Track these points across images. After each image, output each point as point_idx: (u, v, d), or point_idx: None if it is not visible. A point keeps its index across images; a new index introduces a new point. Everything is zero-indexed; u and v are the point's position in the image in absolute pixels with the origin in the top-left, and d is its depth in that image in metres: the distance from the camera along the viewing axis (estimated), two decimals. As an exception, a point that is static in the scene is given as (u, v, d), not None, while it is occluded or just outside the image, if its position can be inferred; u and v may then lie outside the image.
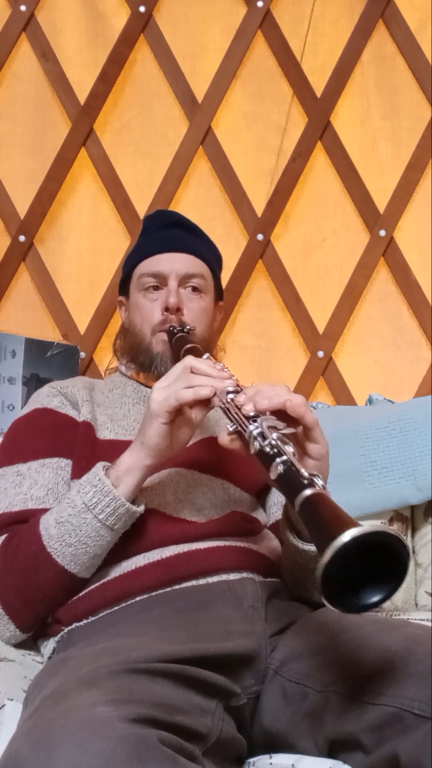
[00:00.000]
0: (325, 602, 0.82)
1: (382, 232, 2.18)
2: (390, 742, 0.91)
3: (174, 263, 1.49)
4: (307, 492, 0.91)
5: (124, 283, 1.58)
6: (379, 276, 2.21)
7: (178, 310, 1.46)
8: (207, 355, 1.31)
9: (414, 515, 1.86)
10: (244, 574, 1.21)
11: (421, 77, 2.20)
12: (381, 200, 2.20)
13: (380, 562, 0.83)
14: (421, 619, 1.52)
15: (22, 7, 2.27)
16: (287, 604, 1.22)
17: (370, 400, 2.06)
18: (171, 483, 1.33)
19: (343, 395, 2.16)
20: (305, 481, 0.93)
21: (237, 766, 1.02)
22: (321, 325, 2.19)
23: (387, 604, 1.74)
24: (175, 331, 1.43)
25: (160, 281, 1.49)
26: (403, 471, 1.79)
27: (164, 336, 1.45)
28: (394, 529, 0.83)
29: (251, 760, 1.02)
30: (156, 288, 1.49)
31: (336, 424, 1.85)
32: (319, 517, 0.88)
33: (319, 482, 0.93)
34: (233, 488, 1.38)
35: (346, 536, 0.79)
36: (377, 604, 0.85)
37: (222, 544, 1.24)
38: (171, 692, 0.90)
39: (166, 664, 0.92)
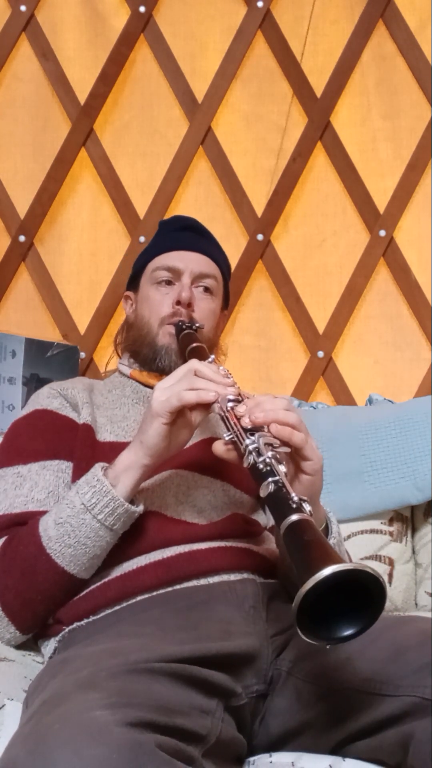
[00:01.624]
0: (299, 632, 0.83)
1: (382, 232, 2.18)
2: (407, 725, 0.93)
3: (189, 261, 1.51)
4: (294, 517, 0.92)
5: (133, 279, 1.60)
6: (379, 276, 2.21)
7: (189, 305, 1.47)
8: (212, 357, 1.32)
9: (414, 515, 1.86)
10: (245, 575, 1.21)
11: (421, 77, 2.20)
12: (381, 200, 2.20)
13: (357, 596, 0.84)
14: (421, 619, 1.52)
15: (22, 7, 2.27)
16: (288, 605, 1.21)
17: (370, 400, 2.06)
18: (172, 485, 1.33)
19: (343, 395, 2.16)
20: (293, 505, 0.94)
21: (237, 765, 1.02)
22: (321, 325, 2.19)
23: (387, 605, 1.74)
24: (184, 326, 1.44)
25: (174, 276, 1.51)
26: (403, 471, 1.79)
27: (171, 329, 1.46)
28: (373, 568, 0.84)
29: (251, 759, 1.02)
30: (168, 283, 1.51)
31: (336, 424, 1.85)
32: (302, 545, 0.89)
33: (307, 508, 0.94)
34: (233, 490, 1.38)
35: (327, 571, 0.80)
36: (350, 638, 0.86)
37: (223, 545, 1.24)
38: (171, 693, 0.90)
39: (166, 663, 0.92)
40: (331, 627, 0.85)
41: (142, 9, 2.26)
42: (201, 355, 1.30)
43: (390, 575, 1.76)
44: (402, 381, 2.16)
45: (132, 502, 1.20)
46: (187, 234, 1.58)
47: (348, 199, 2.23)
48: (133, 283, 1.59)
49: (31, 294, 2.26)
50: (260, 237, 2.22)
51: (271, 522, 1.41)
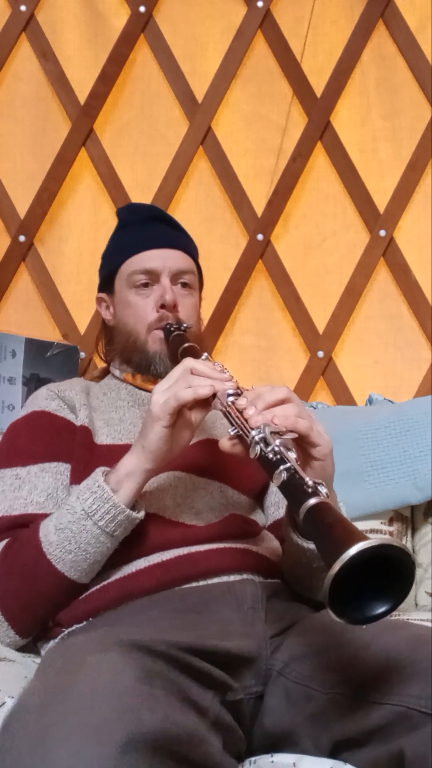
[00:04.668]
0: (332, 615, 0.82)
1: (382, 232, 2.18)
2: (396, 739, 0.91)
3: (166, 260, 1.48)
4: (312, 501, 0.91)
5: (106, 281, 1.55)
6: (379, 276, 2.21)
7: (174, 306, 1.44)
8: (206, 355, 1.30)
9: (414, 515, 1.86)
10: (244, 576, 1.21)
11: (421, 77, 2.20)
12: (381, 200, 2.20)
13: (385, 573, 0.83)
14: (421, 619, 1.52)
15: (22, 7, 2.27)
16: (288, 605, 1.21)
17: (370, 400, 2.06)
18: (170, 487, 1.32)
19: (343, 395, 2.16)
20: (309, 490, 0.93)
21: (236, 759, 1.01)
22: (321, 325, 2.19)
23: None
24: (172, 329, 1.41)
25: (152, 278, 1.47)
26: (403, 471, 1.79)
27: (160, 334, 1.43)
28: (401, 542, 0.83)
29: (252, 758, 1.02)
30: (146, 285, 1.47)
31: (336, 424, 1.85)
32: (324, 528, 0.87)
33: (323, 490, 0.93)
34: (231, 491, 1.37)
35: (354, 550, 0.79)
36: (382, 616, 0.84)
37: (222, 546, 1.24)
38: (165, 682, 0.89)
39: (165, 648, 0.91)
40: (362, 607, 0.84)
41: (142, 9, 2.26)
42: (194, 354, 1.28)
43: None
44: (402, 381, 2.16)
45: (133, 507, 1.20)
46: (155, 228, 1.53)
47: (348, 199, 2.23)
48: (107, 286, 1.54)
49: (31, 294, 2.27)
50: (260, 237, 2.22)
51: (270, 521, 1.41)
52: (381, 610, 0.84)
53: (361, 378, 2.18)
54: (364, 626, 1.04)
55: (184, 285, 1.49)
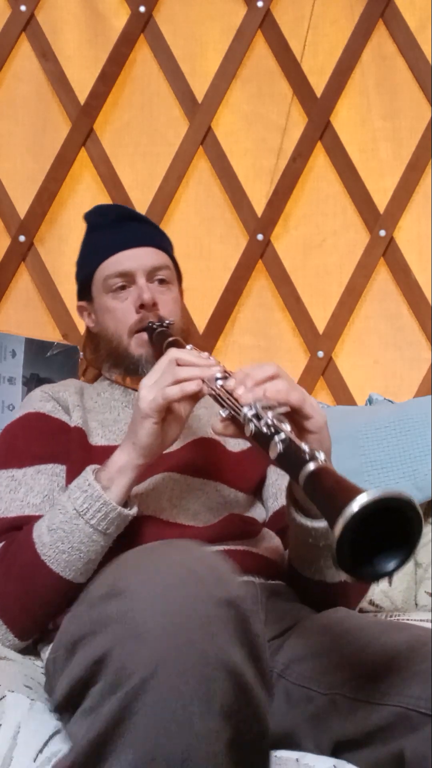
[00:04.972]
0: (344, 573, 0.81)
1: (382, 232, 2.18)
2: (396, 740, 0.91)
3: (139, 259, 1.46)
4: (311, 466, 0.89)
5: (83, 289, 1.53)
6: (379, 276, 2.21)
7: (154, 305, 1.43)
8: (190, 346, 1.28)
9: (414, 515, 1.85)
10: (244, 578, 1.20)
11: (421, 77, 2.20)
12: (381, 200, 2.20)
13: (393, 527, 0.81)
14: (421, 620, 1.52)
15: (22, 7, 2.27)
16: (288, 605, 1.21)
17: (370, 400, 2.06)
18: (165, 489, 1.32)
19: (343, 395, 2.16)
20: (307, 456, 0.91)
21: None
22: (321, 325, 2.19)
23: (387, 604, 1.74)
24: (155, 326, 1.40)
25: (127, 280, 1.45)
26: (403, 471, 1.79)
27: (144, 336, 1.42)
28: (404, 491, 0.81)
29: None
30: (123, 288, 1.45)
31: (336, 424, 1.85)
32: (325, 490, 0.86)
33: (321, 456, 0.91)
34: (227, 490, 1.36)
35: (355, 505, 0.77)
36: (393, 571, 0.83)
37: (221, 548, 1.23)
38: None
39: None
40: (372, 564, 0.82)
41: (142, 9, 2.26)
42: (179, 346, 1.27)
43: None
44: (402, 381, 2.16)
45: (125, 504, 1.19)
46: (124, 228, 1.50)
47: (348, 199, 2.23)
48: (85, 293, 1.52)
49: (31, 294, 2.27)
50: (260, 237, 2.22)
51: (270, 512, 1.40)
52: (391, 566, 0.82)
53: (361, 378, 2.18)
54: (365, 625, 1.04)
55: (162, 281, 1.47)
